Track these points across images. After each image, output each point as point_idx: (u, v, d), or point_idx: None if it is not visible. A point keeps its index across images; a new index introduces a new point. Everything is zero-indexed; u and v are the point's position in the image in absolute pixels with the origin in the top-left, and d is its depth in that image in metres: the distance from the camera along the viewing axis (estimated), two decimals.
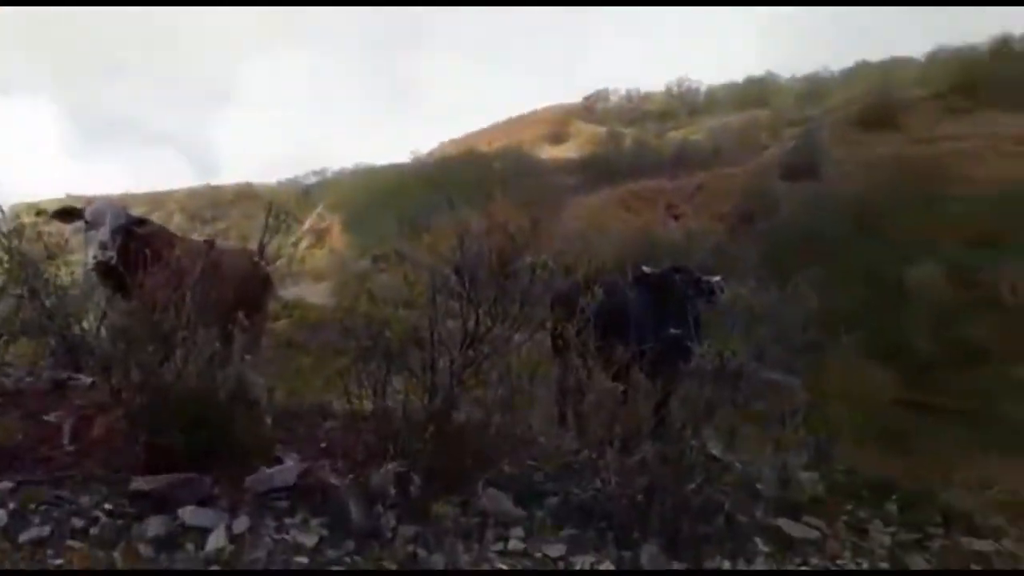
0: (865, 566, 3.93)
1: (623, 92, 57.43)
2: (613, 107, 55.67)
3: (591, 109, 55.48)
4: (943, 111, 30.21)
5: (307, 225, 36.88)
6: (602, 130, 46.83)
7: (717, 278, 5.26)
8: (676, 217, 30.80)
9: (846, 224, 23.39)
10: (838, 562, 3.94)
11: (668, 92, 54.19)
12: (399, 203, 34.03)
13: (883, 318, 18.69)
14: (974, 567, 4.08)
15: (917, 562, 3.98)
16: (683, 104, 52.00)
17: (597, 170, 37.28)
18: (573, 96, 58.10)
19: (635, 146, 40.07)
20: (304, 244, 35.04)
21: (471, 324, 3.95)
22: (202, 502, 3.20)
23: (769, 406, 5.73)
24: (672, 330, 4.83)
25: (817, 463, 5.11)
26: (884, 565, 3.98)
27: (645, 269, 5.28)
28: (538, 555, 3.42)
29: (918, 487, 5.12)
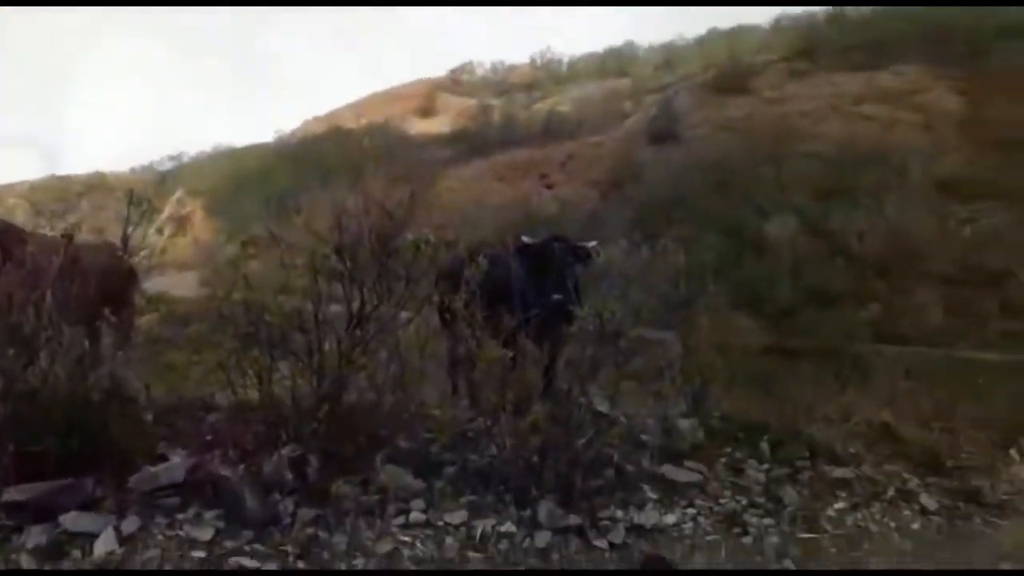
0: (744, 503, 4.25)
1: (488, 65, 57.45)
2: (479, 80, 55.53)
3: (458, 82, 55.06)
4: (788, 74, 32.11)
5: (167, 213, 34.79)
6: (470, 102, 46.63)
7: (593, 243, 5.45)
8: (549, 187, 31.30)
9: (707, 184, 24.57)
10: (720, 501, 4.25)
11: (532, 64, 54.65)
12: (265, 184, 32.70)
13: (746, 271, 19.89)
14: (838, 493, 4.50)
15: (789, 493, 4.34)
16: (548, 75, 52.56)
17: (468, 143, 37.17)
18: (438, 70, 57.35)
19: (504, 118, 40.18)
20: (165, 233, 33.07)
21: (355, 304, 3.92)
22: (85, 507, 3.05)
23: (647, 362, 6.04)
24: (554, 296, 4.97)
25: (695, 411, 5.43)
26: (760, 500, 4.32)
27: (525, 239, 5.39)
28: (440, 524, 3.49)
29: (786, 425, 5.55)
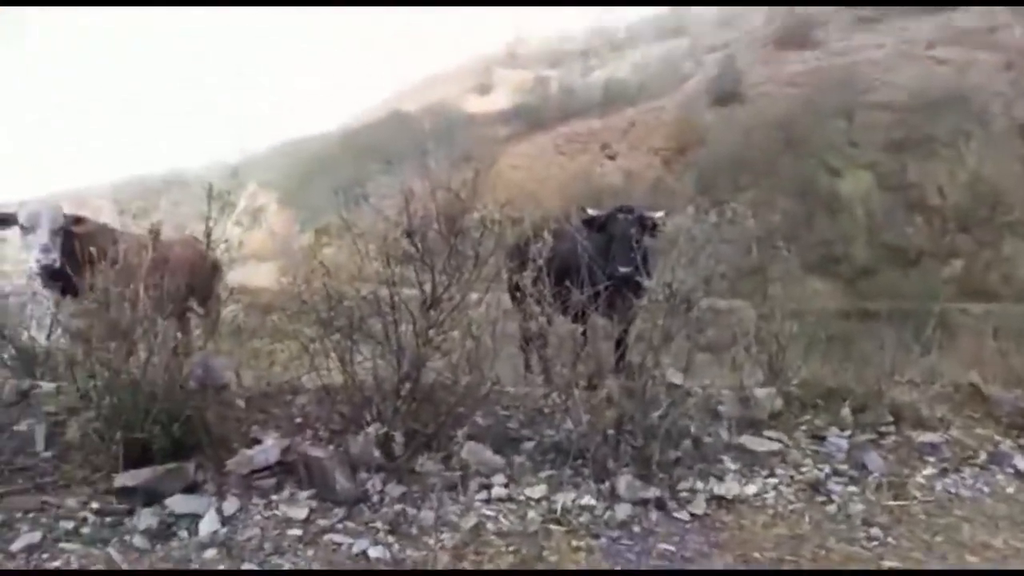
0: (827, 471, 4.19)
1: (543, 35, 56.81)
2: (534, 52, 55.00)
3: (513, 55, 54.69)
4: (854, 23, 30.74)
5: (241, 206, 35.91)
6: (527, 75, 46.30)
7: (660, 213, 5.40)
8: (611, 157, 30.93)
9: (774, 144, 23.88)
10: (802, 470, 4.20)
11: (588, 31, 53.78)
12: (332, 173, 33.35)
13: (820, 232, 19.35)
14: (926, 458, 4.39)
15: (874, 460, 4.25)
16: (605, 41, 51.68)
17: (527, 117, 36.96)
18: (493, 45, 56.94)
19: (561, 90, 39.77)
20: (242, 226, 34.15)
21: (427, 286, 4.01)
22: (188, 489, 3.25)
23: (721, 332, 5.97)
24: (620, 268, 4.96)
25: (771, 380, 5.36)
26: (843, 467, 4.25)
27: (590, 212, 5.38)
28: (521, 498, 3.57)
29: (867, 390, 5.43)
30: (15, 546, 2.81)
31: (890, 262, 18.08)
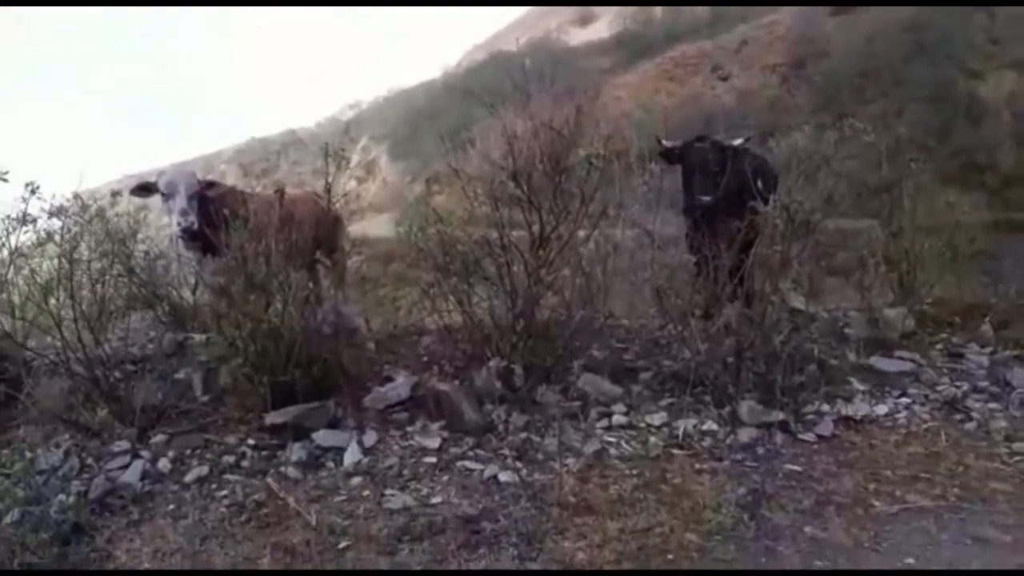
0: (965, 388, 4.00)
1: None
2: None
3: None
4: None
5: (355, 160, 37.07)
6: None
7: (739, 140, 5.09)
8: (724, 78, 29.53)
9: (903, 51, 21.98)
10: (937, 388, 4.03)
11: None
12: (438, 121, 33.60)
13: (959, 140, 17.85)
14: None
15: (1018, 375, 4.02)
16: None
17: (631, 46, 35.76)
18: None
19: (667, 12, 38.07)
20: (357, 180, 35.33)
21: (535, 227, 4.07)
22: (331, 425, 3.53)
23: (850, 253, 5.72)
24: (702, 199, 4.76)
25: (902, 300, 5.11)
26: (984, 384, 4.04)
27: (665, 143, 5.10)
28: (642, 425, 3.64)
29: (1011, 305, 5.08)
30: (188, 478, 3.17)
31: None
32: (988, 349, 4.48)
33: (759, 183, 4.62)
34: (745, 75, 28.85)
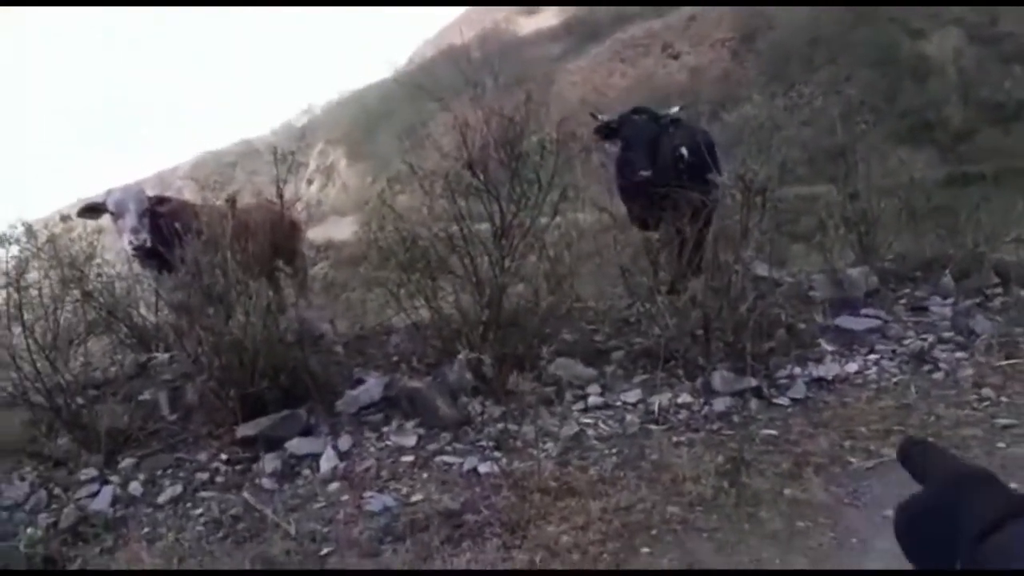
0: (931, 339, 4.06)
1: None
2: None
3: None
4: None
5: (312, 166, 36.61)
6: None
7: (674, 109, 5.03)
8: (674, 56, 29.64)
9: (848, 16, 22.25)
10: (904, 342, 4.09)
11: None
12: (393, 119, 33.31)
13: (908, 99, 18.13)
14: None
15: (981, 323, 4.08)
16: None
17: (580, 30, 35.73)
18: None
19: None
20: (315, 184, 34.91)
21: (496, 216, 4.03)
22: (304, 433, 3.47)
23: (810, 219, 5.77)
24: (641, 173, 4.67)
25: (863, 258, 5.18)
26: (949, 335, 4.10)
27: (601, 118, 5.01)
28: (617, 404, 3.64)
29: (969, 254, 5.17)
30: (161, 499, 3.10)
31: (989, 121, 16.76)
32: (950, 300, 4.55)
33: (690, 154, 4.65)
34: (696, 52, 28.94)
